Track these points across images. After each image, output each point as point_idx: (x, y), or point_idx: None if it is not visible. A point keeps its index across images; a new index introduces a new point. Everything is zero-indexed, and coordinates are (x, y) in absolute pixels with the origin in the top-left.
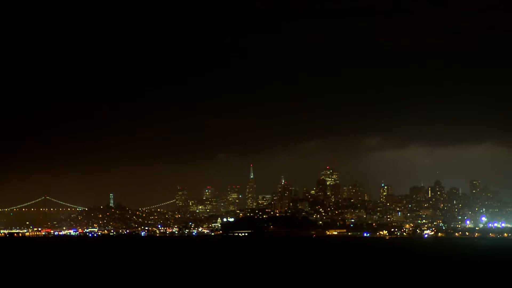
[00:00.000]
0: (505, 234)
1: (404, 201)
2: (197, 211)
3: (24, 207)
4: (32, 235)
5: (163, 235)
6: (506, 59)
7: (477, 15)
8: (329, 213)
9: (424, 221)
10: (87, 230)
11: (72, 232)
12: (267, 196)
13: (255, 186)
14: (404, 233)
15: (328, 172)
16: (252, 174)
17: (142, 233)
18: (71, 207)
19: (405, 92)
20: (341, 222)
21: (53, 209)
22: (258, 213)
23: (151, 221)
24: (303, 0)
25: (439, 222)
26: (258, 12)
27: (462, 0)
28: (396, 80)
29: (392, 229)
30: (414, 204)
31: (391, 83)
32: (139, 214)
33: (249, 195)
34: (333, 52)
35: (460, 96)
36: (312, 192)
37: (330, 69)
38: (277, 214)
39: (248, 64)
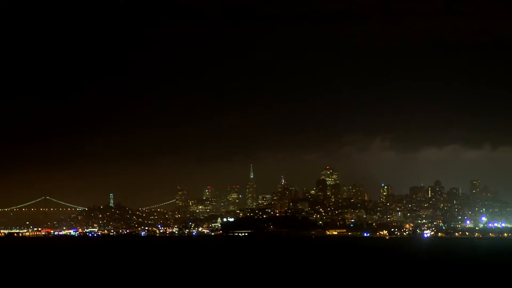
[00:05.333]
0: (505, 234)
1: (404, 201)
2: (197, 211)
3: (24, 207)
4: (32, 235)
5: (163, 235)
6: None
7: (428, 19)
8: (329, 213)
9: (424, 221)
10: (87, 230)
11: (72, 232)
12: (267, 196)
13: (255, 186)
14: (404, 233)
15: (328, 172)
16: (252, 174)
17: (142, 233)
18: (71, 207)
19: (404, 92)
20: (341, 222)
21: (53, 209)
22: (258, 213)
23: (151, 221)
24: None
25: (439, 222)
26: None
27: (415, 5)
28: (394, 80)
29: (392, 229)
30: (414, 204)
31: (391, 84)
32: (139, 214)
33: (249, 195)
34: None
35: (460, 97)
36: (312, 192)
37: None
38: (277, 214)
39: (247, 64)
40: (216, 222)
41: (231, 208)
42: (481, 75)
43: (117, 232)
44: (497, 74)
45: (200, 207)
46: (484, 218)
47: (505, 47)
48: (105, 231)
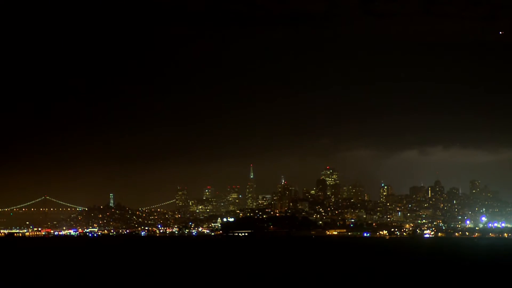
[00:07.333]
0: (505, 234)
1: (404, 201)
2: (197, 211)
3: (24, 207)
4: (32, 235)
5: (163, 235)
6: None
7: (409, 21)
8: (329, 213)
9: (424, 221)
10: (87, 230)
11: (72, 232)
12: (267, 196)
13: (255, 186)
14: (404, 233)
15: (328, 172)
16: (252, 174)
17: (142, 233)
18: (71, 207)
19: (404, 93)
20: (341, 222)
21: (53, 209)
22: (258, 213)
23: (151, 221)
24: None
25: (439, 222)
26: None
27: (394, 6)
28: (394, 82)
29: (392, 229)
30: (414, 204)
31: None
32: (139, 214)
33: (249, 195)
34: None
35: (460, 97)
36: (312, 192)
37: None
38: (277, 214)
39: (247, 64)
40: (216, 222)
41: (231, 208)
42: (474, 75)
43: (117, 232)
44: (497, 75)
45: (200, 207)
46: (484, 218)
47: (486, 48)
48: (105, 231)
